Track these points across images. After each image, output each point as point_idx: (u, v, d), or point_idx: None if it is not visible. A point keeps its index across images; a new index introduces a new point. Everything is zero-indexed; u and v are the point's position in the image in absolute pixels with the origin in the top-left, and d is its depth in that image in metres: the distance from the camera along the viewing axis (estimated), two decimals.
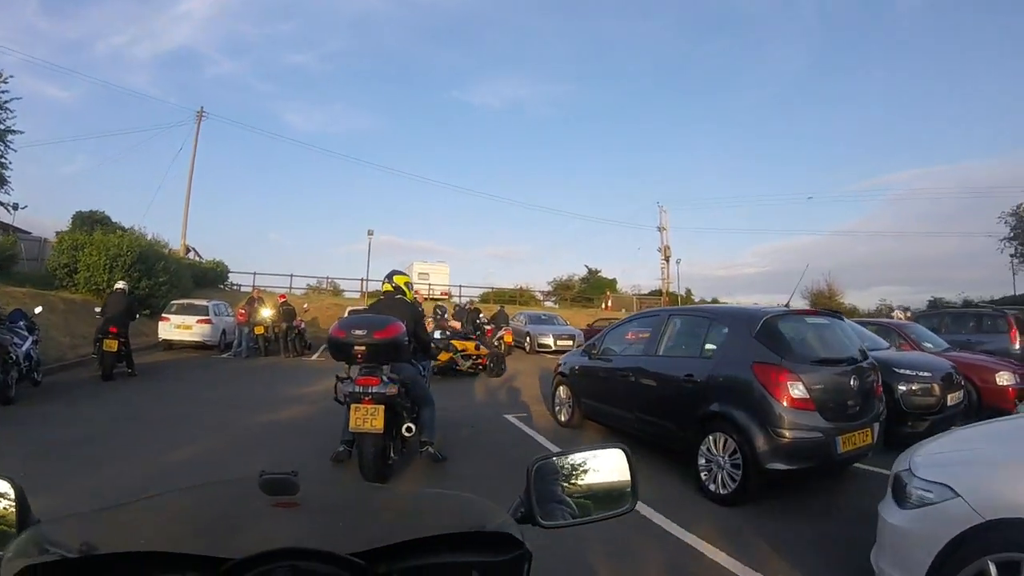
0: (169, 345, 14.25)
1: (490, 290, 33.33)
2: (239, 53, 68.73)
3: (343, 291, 30.83)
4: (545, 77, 78.88)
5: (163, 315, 14.50)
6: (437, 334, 10.65)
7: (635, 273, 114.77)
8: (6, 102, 22.57)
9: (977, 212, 64.77)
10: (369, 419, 4.00)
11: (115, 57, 58.82)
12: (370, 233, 30.03)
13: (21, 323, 7.76)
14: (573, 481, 0.99)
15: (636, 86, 76.02)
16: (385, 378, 4.09)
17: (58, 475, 4.27)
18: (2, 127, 22.42)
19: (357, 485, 3.45)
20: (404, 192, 79.07)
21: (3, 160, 22.77)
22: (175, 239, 25.45)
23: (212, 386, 9.43)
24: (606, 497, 1.00)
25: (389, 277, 5.14)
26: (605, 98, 77.40)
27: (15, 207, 24.41)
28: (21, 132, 23.09)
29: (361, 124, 73.35)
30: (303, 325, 15.76)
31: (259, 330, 14.28)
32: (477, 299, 29.44)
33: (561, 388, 6.87)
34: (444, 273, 30.51)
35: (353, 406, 4.06)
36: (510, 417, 7.36)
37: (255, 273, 28.26)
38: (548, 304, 34.60)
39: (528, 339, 18.28)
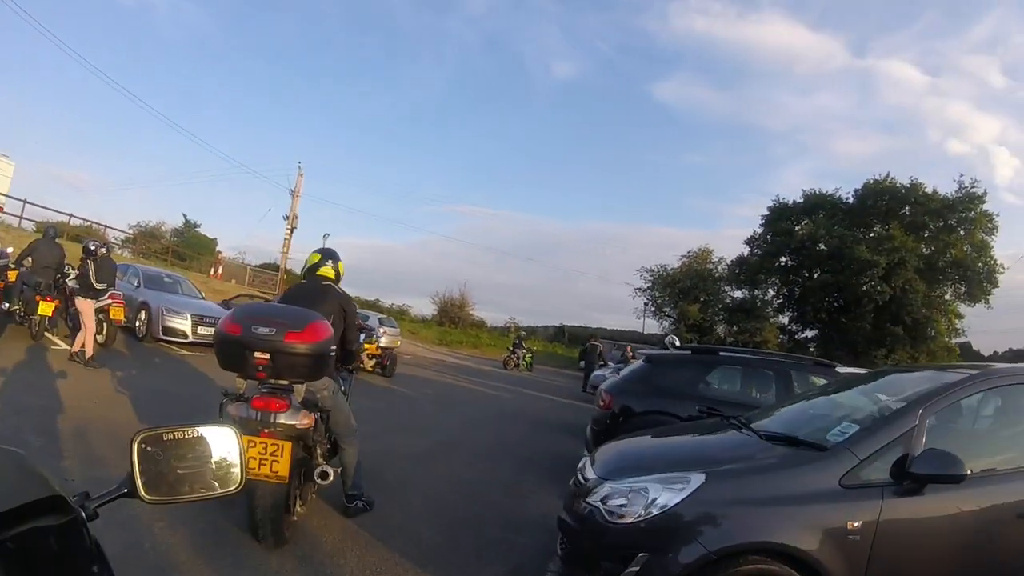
0: None
1: (63, 218, 21.68)
2: None
3: None
4: None
5: None
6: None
7: (240, 237, 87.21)
8: None
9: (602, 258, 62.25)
10: (269, 461, 2.83)
11: None
12: None
13: None
14: (181, 456, 0.96)
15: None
16: (297, 403, 2.94)
17: None
18: None
19: None
20: None
21: None
22: None
23: None
24: (215, 475, 0.99)
25: (324, 258, 3.72)
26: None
27: None
28: None
29: None
30: None
31: None
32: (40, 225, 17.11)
33: None
34: (4, 174, 17.21)
35: (247, 440, 2.70)
36: None
37: None
38: (126, 255, 23.08)
39: (144, 317, 10.15)
